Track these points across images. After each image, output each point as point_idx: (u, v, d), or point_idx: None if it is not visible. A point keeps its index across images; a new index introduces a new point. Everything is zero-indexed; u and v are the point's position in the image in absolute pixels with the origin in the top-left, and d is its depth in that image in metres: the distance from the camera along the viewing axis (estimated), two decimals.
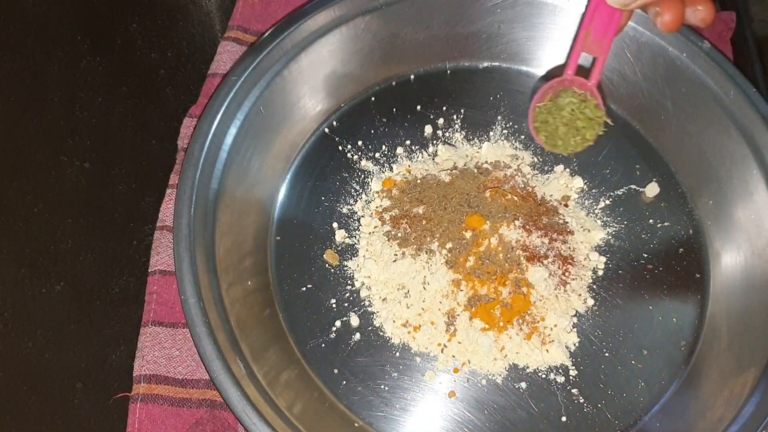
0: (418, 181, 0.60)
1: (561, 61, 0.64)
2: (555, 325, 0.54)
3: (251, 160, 0.57)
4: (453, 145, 0.62)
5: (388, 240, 0.56)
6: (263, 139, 0.58)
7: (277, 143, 0.59)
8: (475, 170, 0.60)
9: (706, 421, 0.49)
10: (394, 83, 0.65)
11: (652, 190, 0.60)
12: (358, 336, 0.54)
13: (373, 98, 0.64)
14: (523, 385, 0.52)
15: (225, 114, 0.55)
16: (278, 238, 0.58)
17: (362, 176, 0.61)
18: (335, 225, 0.58)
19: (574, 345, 0.54)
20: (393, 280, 0.55)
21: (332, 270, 0.57)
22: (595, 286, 0.56)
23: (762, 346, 0.51)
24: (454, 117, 0.63)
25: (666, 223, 0.59)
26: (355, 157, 0.61)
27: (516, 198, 0.58)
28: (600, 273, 0.57)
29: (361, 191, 0.60)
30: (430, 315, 0.54)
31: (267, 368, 0.49)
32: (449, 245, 0.55)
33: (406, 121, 0.63)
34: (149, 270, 0.55)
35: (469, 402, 0.52)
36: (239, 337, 0.49)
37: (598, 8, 0.39)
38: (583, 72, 0.46)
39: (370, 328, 0.54)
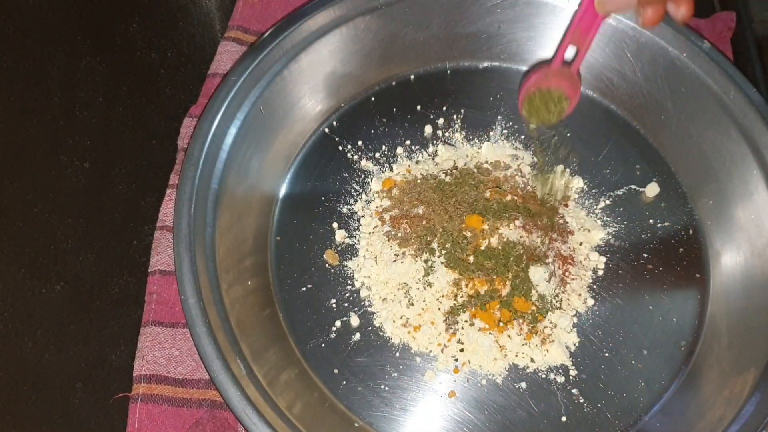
0: (418, 181, 0.60)
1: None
2: (555, 325, 0.54)
3: (251, 160, 0.57)
4: (453, 145, 0.62)
5: (388, 240, 0.56)
6: (263, 139, 0.58)
7: (277, 143, 0.59)
8: (475, 170, 0.60)
9: (706, 421, 0.49)
10: (394, 83, 0.65)
11: (652, 190, 0.60)
12: (358, 336, 0.54)
13: (373, 98, 0.64)
14: (523, 385, 0.52)
15: (225, 114, 0.55)
16: (278, 238, 0.58)
17: (362, 176, 0.61)
18: (335, 225, 0.58)
19: (574, 345, 0.54)
20: (393, 280, 0.55)
21: (332, 270, 0.57)
22: (595, 286, 0.56)
23: (762, 346, 0.51)
24: (454, 117, 0.63)
25: (666, 223, 0.59)
26: (355, 157, 0.61)
27: (516, 198, 0.58)
28: (600, 273, 0.57)
29: (361, 191, 0.60)
30: (430, 315, 0.54)
31: (267, 368, 0.49)
32: (449, 245, 0.55)
33: (406, 121, 0.63)
34: (149, 270, 0.55)
35: (469, 402, 0.52)
36: (239, 337, 0.49)
37: (586, 11, 0.50)
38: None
39: (370, 328, 0.54)
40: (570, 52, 0.54)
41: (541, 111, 0.58)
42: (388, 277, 0.55)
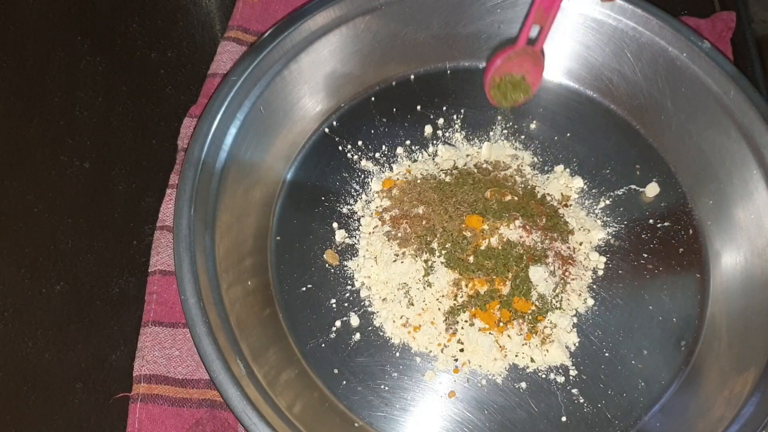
0: (418, 181, 0.60)
1: (560, 60, 0.64)
2: (555, 325, 0.54)
3: (251, 160, 0.57)
4: (453, 145, 0.62)
5: (388, 240, 0.56)
6: (263, 139, 0.58)
7: (277, 143, 0.59)
8: (475, 170, 0.60)
9: (706, 421, 0.49)
10: (394, 83, 0.65)
11: (652, 190, 0.60)
12: (358, 336, 0.54)
13: (373, 98, 0.64)
14: (523, 385, 0.52)
15: (225, 114, 0.55)
16: (278, 238, 0.58)
17: (362, 176, 0.61)
18: (335, 225, 0.58)
19: (574, 345, 0.54)
20: (393, 280, 0.55)
21: (332, 270, 0.57)
22: (595, 286, 0.56)
23: (762, 346, 0.51)
24: (454, 117, 0.63)
25: (666, 223, 0.59)
26: (355, 157, 0.61)
27: (516, 198, 0.58)
28: (600, 273, 0.57)
29: (361, 191, 0.60)
30: (430, 315, 0.54)
31: (267, 368, 0.49)
32: (449, 245, 0.55)
33: (406, 121, 0.63)
34: (149, 270, 0.55)
35: (469, 402, 0.52)
36: (239, 337, 0.49)
37: None
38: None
39: (370, 328, 0.54)
40: (534, 31, 0.55)
41: (506, 96, 0.59)
42: (388, 277, 0.55)
